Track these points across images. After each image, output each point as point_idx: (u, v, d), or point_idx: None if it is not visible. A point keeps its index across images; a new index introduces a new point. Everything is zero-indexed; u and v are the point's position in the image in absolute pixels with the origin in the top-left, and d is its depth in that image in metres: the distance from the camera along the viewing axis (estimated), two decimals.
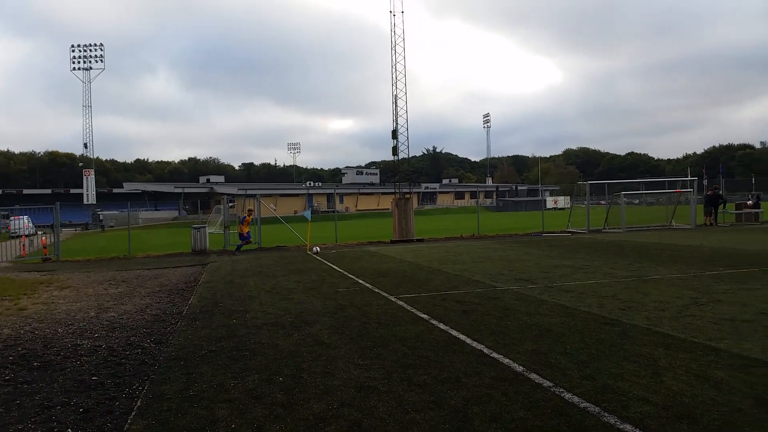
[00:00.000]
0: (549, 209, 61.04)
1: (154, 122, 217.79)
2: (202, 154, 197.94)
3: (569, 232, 25.42)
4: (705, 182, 46.30)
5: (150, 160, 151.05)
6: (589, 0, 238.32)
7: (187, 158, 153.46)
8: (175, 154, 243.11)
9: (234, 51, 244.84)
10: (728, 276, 10.40)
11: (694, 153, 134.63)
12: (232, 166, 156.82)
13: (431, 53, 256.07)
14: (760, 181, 39.51)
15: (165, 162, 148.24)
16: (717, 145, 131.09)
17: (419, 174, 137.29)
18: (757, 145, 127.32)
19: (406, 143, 26.28)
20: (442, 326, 7.00)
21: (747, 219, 27.59)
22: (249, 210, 21.53)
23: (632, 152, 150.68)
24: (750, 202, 28.74)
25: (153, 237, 36.93)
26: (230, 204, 30.19)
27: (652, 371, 4.87)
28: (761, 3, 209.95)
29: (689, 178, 30.20)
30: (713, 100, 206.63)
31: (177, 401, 4.61)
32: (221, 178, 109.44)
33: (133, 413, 4.39)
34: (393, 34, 25.59)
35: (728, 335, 6.00)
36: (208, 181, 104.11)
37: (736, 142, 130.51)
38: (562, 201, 76.92)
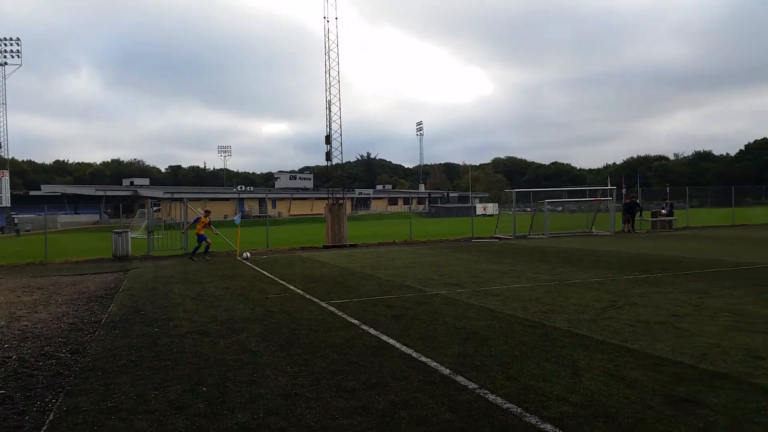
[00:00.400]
0: (479, 215, 62.41)
1: (75, 122, 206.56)
2: (126, 155, 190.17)
3: (497, 237, 26.10)
4: (624, 191, 48.62)
5: (70, 162, 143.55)
6: (520, 14, 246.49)
7: (110, 160, 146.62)
8: (98, 156, 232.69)
9: (163, 50, 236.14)
10: (644, 280, 10.97)
11: (614, 163, 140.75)
12: (158, 169, 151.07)
13: (366, 60, 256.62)
14: (674, 191, 41.84)
15: (86, 164, 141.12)
16: (635, 156, 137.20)
17: (353, 179, 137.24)
18: (672, 157, 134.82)
19: (339, 149, 26.21)
20: (372, 331, 7.02)
21: (662, 226, 29.24)
22: (206, 210, 20.54)
23: (556, 162, 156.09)
24: (664, 210, 30.44)
25: (72, 242, 35.10)
26: (155, 208, 29.13)
27: (572, 372, 5.07)
28: (674, 25, 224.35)
29: (609, 187, 31.61)
30: (632, 113, 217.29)
31: (93, 413, 4.40)
32: (146, 181, 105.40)
33: (44, 427, 4.16)
34: (327, 39, 25.57)
35: (642, 336, 6.33)
36: (131, 183, 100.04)
37: (652, 153, 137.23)
38: (491, 208, 78.74)
